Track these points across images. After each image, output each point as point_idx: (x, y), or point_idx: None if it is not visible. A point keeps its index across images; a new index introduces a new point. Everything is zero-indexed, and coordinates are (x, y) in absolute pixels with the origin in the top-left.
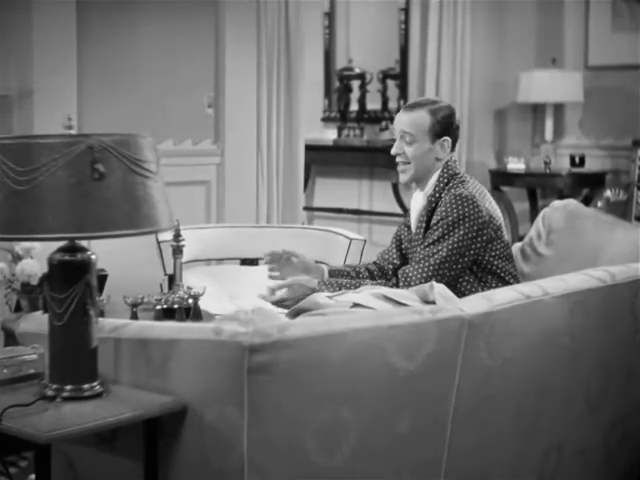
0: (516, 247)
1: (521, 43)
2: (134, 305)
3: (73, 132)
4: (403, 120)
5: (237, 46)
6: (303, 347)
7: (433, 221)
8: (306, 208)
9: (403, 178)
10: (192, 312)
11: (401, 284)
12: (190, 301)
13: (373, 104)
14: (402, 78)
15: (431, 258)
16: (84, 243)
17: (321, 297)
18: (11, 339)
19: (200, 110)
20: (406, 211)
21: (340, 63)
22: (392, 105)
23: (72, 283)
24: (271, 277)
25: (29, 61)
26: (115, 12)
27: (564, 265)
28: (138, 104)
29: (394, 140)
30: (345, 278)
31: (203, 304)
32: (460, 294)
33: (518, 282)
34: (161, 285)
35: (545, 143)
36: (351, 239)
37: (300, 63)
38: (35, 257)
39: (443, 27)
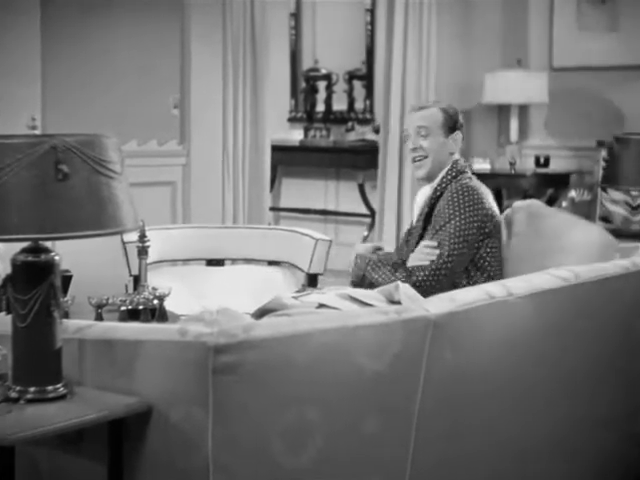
0: None
1: (487, 44)
2: (99, 306)
3: (37, 132)
4: (416, 117)
5: (203, 47)
6: (268, 348)
7: (438, 208)
8: (272, 208)
9: (420, 173)
10: (158, 313)
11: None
12: (155, 302)
13: (339, 105)
14: (368, 79)
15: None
16: (48, 244)
17: (287, 298)
18: None
19: (166, 111)
20: (373, 212)
21: (306, 64)
22: (358, 106)
23: (36, 284)
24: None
25: None
26: (80, 13)
27: (526, 265)
28: (103, 105)
29: (361, 140)
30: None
31: (169, 305)
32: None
33: None
34: (126, 286)
35: (510, 144)
36: (317, 239)
37: (266, 64)
38: None
39: (409, 28)
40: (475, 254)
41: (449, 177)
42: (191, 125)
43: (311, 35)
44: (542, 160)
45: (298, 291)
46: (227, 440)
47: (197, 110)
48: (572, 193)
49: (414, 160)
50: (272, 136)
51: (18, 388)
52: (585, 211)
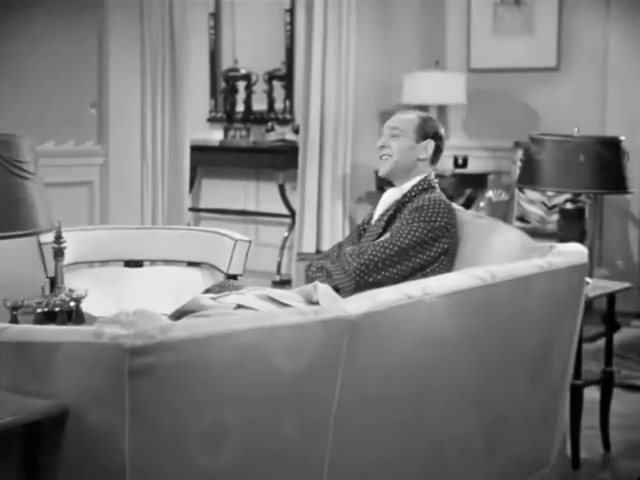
0: None
1: (405, 45)
2: (14, 308)
3: None
4: (394, 119)
5: (121, 46)
6: (186, 349)
7: (403, 214)
8: (192, 209)
9: (381, 170)
10: (74, 315)
11: (350, 258)
12: (72, 304)
13: (259, 105)
14: (288, 79)
15: (391, 244)
16: None
17: (205, 299)
18: None
19: (83, 111)
20: (293, 212)
21: (226, 64)
22: (278, 106)
23: None
24: None
25: None
26: None
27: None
28: (18, 105)
29: (281, 141)
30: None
31: (86, 307)
32: None
33: None
34: (42, 288)
35: None
36: (236, 240)
37: (185, 63)
38: None
39: (328, 29)
40: (427, 266)
41: (420, 187)
42: (109, 125)
43: (230, 35)
44: (460, 161)
45: (219, 285)
46: (144, 442)
47: (115, 110)
48: (490, 193)
49: (380, 157)
50: (192, 136)
51: None
52: (502, 211)
